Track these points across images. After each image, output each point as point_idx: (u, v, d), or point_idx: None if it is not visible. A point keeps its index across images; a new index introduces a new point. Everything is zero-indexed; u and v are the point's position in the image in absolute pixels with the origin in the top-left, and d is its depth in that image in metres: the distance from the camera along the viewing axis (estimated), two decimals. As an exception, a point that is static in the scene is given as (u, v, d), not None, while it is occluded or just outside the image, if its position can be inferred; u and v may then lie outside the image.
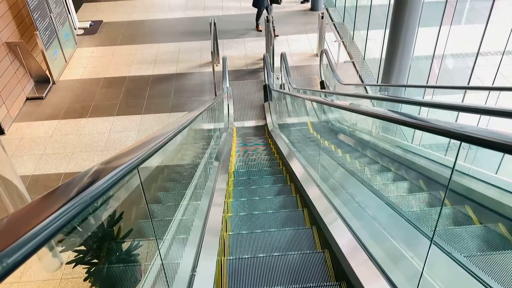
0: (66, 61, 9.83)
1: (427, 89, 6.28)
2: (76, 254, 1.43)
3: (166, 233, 2.02)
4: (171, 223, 2.14)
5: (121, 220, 1.53)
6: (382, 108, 3.08)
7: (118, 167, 1.06)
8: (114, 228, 1.54)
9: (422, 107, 5.03)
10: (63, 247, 1.18)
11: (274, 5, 10.70)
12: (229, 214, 3.56)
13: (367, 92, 8.25)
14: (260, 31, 11.00)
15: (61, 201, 0.81)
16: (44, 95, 8.69)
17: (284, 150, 5.40)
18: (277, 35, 10.59)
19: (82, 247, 1.41)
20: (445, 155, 5.83)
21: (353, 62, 9.64)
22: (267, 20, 9.25)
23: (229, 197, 4.22)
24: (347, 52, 10.01)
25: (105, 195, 1.01)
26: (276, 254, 2.68)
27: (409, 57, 6.22)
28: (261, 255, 2.69)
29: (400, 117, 1.73)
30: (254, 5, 10.52)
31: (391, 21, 6.06)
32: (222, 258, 2.64)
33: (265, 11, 10.71)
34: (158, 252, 1.71)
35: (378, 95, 5.22)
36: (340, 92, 5.86)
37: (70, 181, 0.95)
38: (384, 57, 6.35)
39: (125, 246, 1.67)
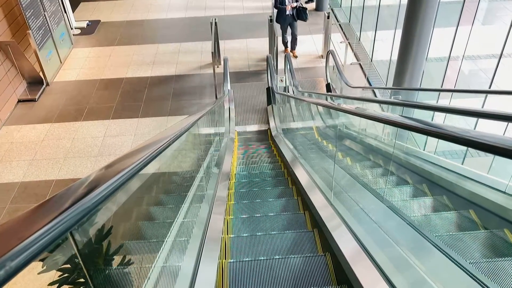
0: (61, 62, 9.46)
1: (443, 94, 5.88)
2: (60, 273, 1.21)
3: (163, 245, 1.84)
4: (168, 233, 1.97)
5: (110, 235, 1.36)
6: (396, 114, 2.68)
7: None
8: (103, 243, 1.36)
9: (435, 113, 4.64)
10: (44, 268, 1.00)
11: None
12: (230, 217, 3.48)
13: (375, 96, 7.86)
14: (296, 57, 9.54)
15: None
16: (37, 97, 8.31)
17: (289, 158, 5.03)
18: (296, 56, 9.52)
19: (67, 265, 1.21)
20: (462, 164, 5.43)
21: (360, 64, 9.24)
22: (271, 21, 8.86)
23: (231, 199, 4.10)
24: (354, 54, 9.62)
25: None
26: (277, 257, 2.62)
27: (423, 59, 5.82)
28: (262, 258, 2.63)
29: (422, 125, 1.45)
30: (277, 20, 8.99)
31: (405, 21, 5.67)
32: (223, 261, 2.59)
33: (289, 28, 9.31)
34: (153, 265, 1.61)
35: (392, 99, 4.82)
36: (351, 96, 5.46)
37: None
38: (396, 58, 5.95)
39: (115, 263, 1.48)
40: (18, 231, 0.70)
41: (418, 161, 2.91)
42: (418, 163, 2.82)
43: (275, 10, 9.05)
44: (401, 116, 1.85)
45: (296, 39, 9.36)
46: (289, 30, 9.29)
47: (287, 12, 8.75)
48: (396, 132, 2.40)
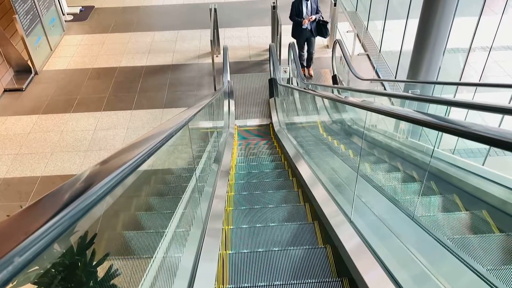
0: (51, 49, 8.93)
1: (460, 89, 5.42)
2: (36, 286, 1.08)
3: (156, 251, 1.71)
4: (166, 229, 1.88)
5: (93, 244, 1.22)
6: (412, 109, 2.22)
7: None
8: (86, 252, 1.22)
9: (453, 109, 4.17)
10: (14, 283, 0.77)
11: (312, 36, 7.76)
12: (230, 208, 3.46)
13: (384, 89, 7.38)
14: (308, 76, 8.26)
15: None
16: (24, 87, 7.82)
17: (294, 156, 4.60)
18: (312, 75, 8.22)
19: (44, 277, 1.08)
20: (483, 164, 4.96)
21: (367, 55, 8.75)
22: (274, 8, 8.34)
23: (231, 191, 4.03)
24: (361, 44, 9.11)
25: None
26: (277, 249, 2.60)
27: (441, 50, 5.33)
28: (261, 249, 2.62)
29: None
30: (293, 35, 7.75)
31: (422, 10, 5.17)
32: (223, 252, 2.60)
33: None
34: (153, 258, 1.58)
35: (409, 93, 4.35)
36: (362, 89, 4.99)
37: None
38: (412, 50, 5.47)
39: (100, 274, 1.31)
40: (24, 225, 0.67)
41: (469, 175, 2.42)
42: (472, 180, 2.34)
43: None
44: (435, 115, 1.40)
45: (312, 57, 8.02)
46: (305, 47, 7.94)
47: (304, 26, 7.36)
48: (436, 137, 1.94)
